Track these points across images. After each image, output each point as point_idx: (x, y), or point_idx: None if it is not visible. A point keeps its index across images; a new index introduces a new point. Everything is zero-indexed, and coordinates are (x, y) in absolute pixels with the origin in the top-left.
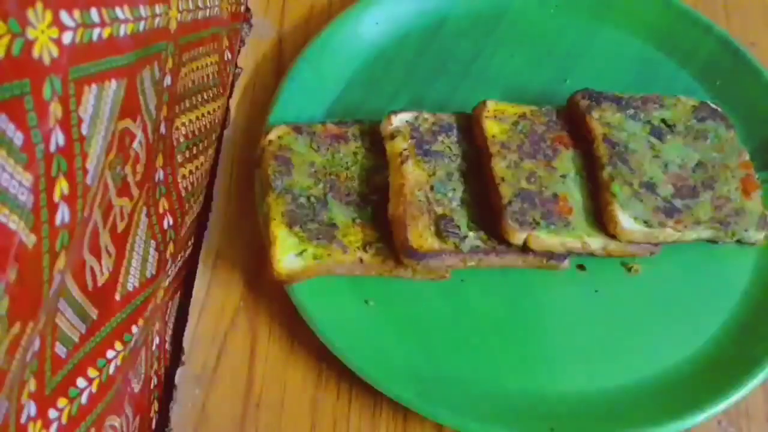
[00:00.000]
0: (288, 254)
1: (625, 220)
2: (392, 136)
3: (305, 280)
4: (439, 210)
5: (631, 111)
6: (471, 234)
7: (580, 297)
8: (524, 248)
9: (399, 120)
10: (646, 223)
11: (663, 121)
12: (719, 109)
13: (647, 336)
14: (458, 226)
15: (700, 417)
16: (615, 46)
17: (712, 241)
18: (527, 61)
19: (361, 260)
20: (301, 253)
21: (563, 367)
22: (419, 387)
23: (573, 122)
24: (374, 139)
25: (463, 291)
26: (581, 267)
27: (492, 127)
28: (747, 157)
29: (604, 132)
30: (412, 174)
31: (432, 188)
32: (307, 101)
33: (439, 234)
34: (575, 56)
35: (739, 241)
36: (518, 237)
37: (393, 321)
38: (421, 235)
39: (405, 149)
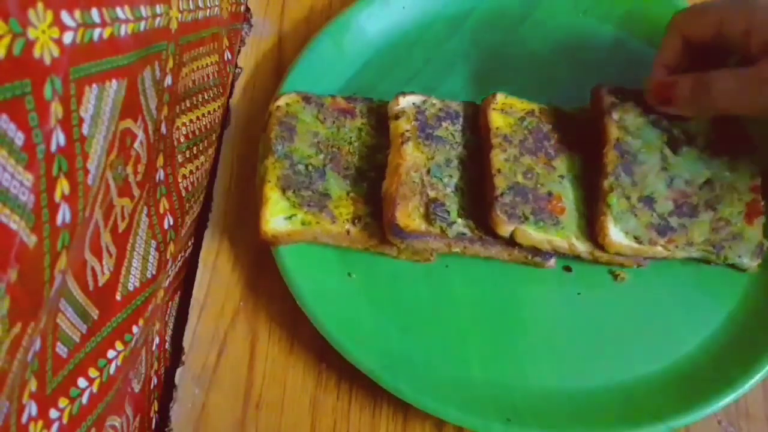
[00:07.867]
0: (277, 216)
1: (615, 234)
2: (397, 116)
3: (290, 243)
4: (432, 194)
5: (654, 116)
6: (459, 221)
7: (562, 297)
8: (510, 241)
9: (406, 101)
10: (637, 239)
11: (684, 131)
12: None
13: (623, 344)
14: (448, 212)
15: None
16: (643, 58)
17: (704, 261)
18: (549, 62)
19: (348, 232)
20: (290, 218)
21: (533, 364)
22: (386, 361)
23: (589, 116)
24: (381, 119)
25: (446, 276)
26: (567, 269)
27: (497, 120)
28: (759, 181)
29: (617, 137)
30: (411, 155)
31: (428, 172)
32: (323, 75)
33: (427, 216)
34: (599, 63)
35: (731, 265)
36: (505, 229)
37: (372, 296)
38: (409, 215)
39: (407, 130)
